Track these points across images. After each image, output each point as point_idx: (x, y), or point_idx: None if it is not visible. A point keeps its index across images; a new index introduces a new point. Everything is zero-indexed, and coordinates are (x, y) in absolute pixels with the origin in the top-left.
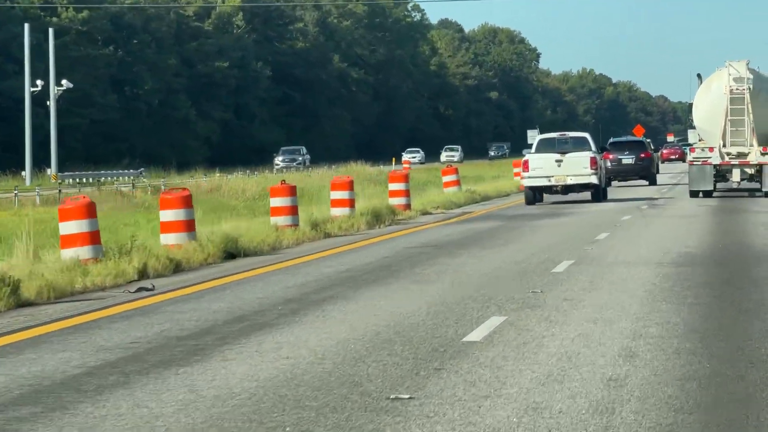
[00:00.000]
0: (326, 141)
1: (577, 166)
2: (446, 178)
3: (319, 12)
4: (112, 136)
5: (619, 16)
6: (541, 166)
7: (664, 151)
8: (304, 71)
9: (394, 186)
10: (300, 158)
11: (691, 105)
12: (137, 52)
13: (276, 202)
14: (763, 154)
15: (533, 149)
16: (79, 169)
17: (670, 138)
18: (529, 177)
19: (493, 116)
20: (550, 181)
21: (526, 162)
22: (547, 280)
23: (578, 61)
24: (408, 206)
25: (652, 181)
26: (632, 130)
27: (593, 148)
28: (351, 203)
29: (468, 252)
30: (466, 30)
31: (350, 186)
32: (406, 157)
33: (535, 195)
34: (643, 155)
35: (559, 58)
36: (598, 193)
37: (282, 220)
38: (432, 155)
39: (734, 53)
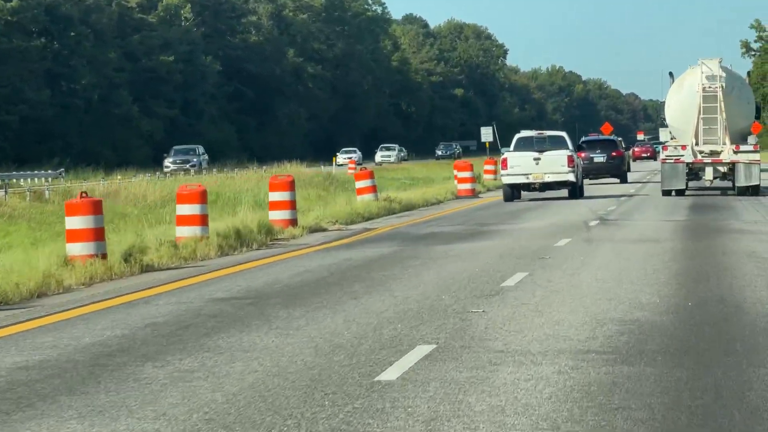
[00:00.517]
0: (281, 139)
1: (555, 164)
2: (359, 184)
3: (274, 4)
4: (45, 135)
5: (589, 13)
6: (520, 164)
7: (636, 150)
8: (257, 66)
9: (276, 196)
10: (195, 159)
11: (662, 103)
12: (74, 45)
13: (73, 223)
14: (735, 152)
15: (512, 147)
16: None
17: (641, 136)
18: (508, 174)
19: (458, 114)
20: (528, 178)
21: (504, 160)
22: (349, 409)
23: (548, 58)
24: (293, 222)
25: (623, 179)
26: (600, 128)
27: (570, 146)
28: (203, 220)
29: (287, 314)
30: (432, 25)
31: (202, 198)
32: (340, 157)
33: (513, 192)
34: (614, 154)
35: (528, 55)
36: (575, 191)
37: (79, 249)
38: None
39: (705, 51)
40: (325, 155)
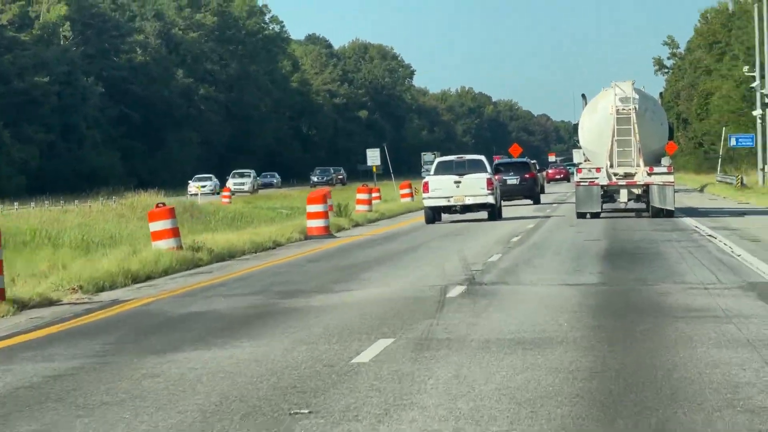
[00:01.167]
0: (171, 165)
1: (475, 187)
2: (155, 226)
3: (162, 22)
4: None
5: (499, 34)
6: (441, 187)
7: (549, 172)
8: (143, 88)
9: None
10: None
11: (575, 125)
12: None
13: None
14: (649, 174)
15: (432, 171)
16: None
17: (552, 158)
18: (429, 198)
19: (363, 136)
20: (449, 201)
21: (426, 183)
22: None
23: (457, 79)
24: None
25: (537, 201)
26: (509, 149)
27: (489, 170)
28: None
29: None
30: (336, 46)
31: None
32: (192, 185)
33: (434, 215)
34: (527, 176)
35: (437, 76)
36: (494, 212)
37: None
38: (296, 179)
39: (618, 70)
40: (221, 181)
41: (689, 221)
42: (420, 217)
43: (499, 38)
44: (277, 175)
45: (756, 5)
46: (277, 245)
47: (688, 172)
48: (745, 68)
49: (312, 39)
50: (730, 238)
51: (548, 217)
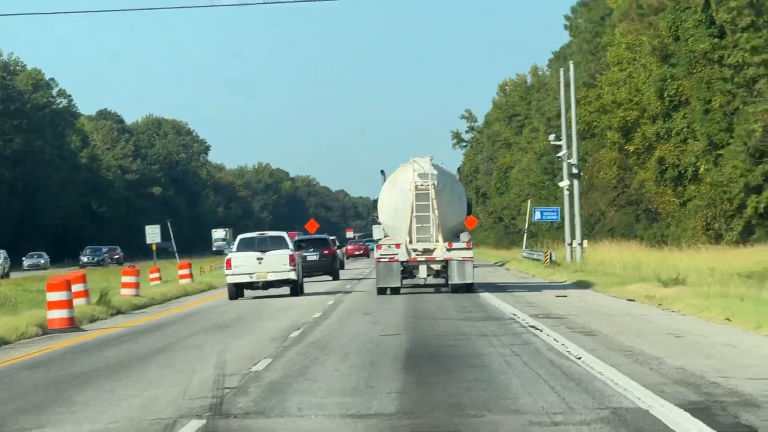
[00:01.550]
0: None
1: (277, 263)
2: None
3: None
4: None
5: (296, 109)
6: (243, 264)
7: (349, 248)
8: None
9: None
10: None
11: (375, 201)
12: None
13: None
14: (448, 250)
15: (235, 248)
16: None
17: (350, 234)
18: (232, 274)
19: (157, 213)
20: (252, 277)
21: (228, 260)
22: None
23: (254, 155)
24: None
25: (336, 277)
26: (305, 225)
27: (290, 246)
28: None
29: None
30: (129, 121)
31: None
32: None
33: (237, 291)
34: (326, 252)
35: (233, 152)
36: (296, 288)
37: None
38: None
39: (416, 144)
40: (12, 261)
41: (502, 305)
42: (197, 301)
43: (296, 114)
44: (45, 254)
45: (562, 71)
46: (3, 343)
47: (489, 246)
48: (551, 137)
49: (103, 114)
50: (558, 329)
51: (349, 292)
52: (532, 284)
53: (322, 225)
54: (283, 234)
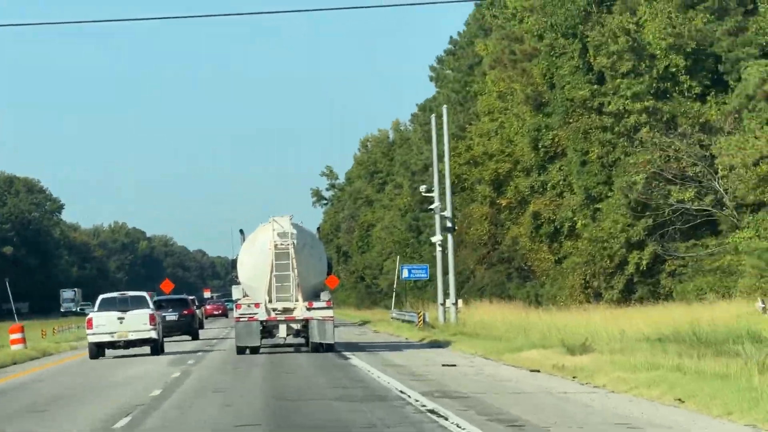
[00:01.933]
0: None
1: (138, 323)
2: None
3: None
4: None
5: (152, 170)
6: (104, 323)
7: (208, 307)
8: None
9: None
10: None
11: (234, 260)
12: None
13: None
14: (308, 309)
15: (96, 308)
16: None
17: (207, 294)
18: (93, 334)
19: (9, 273)
20: (113, 336)
21: (90, 320)
22: None
23: (111, 214)
24: None
25: (195, 336)
26: (160, 285)
27: (151, 306)
28: None
29: None
30: None
31: None
32: None
33: (99, 350)
34: (186, 312)
35: (89, 211)
36: (157, 347)
37: None
38: None
39: (277, 203)
40: None
41: (383, 378)
42: (21, 372)
43: (153, 172)
44: None
45: (434, 117)
46: None
47: (350, 307)
48: (422, 188)
49: None
50: (467, 416)
51: (209, 351)
52: (408, 349)
53: (180, 285)
54: (144, 294)
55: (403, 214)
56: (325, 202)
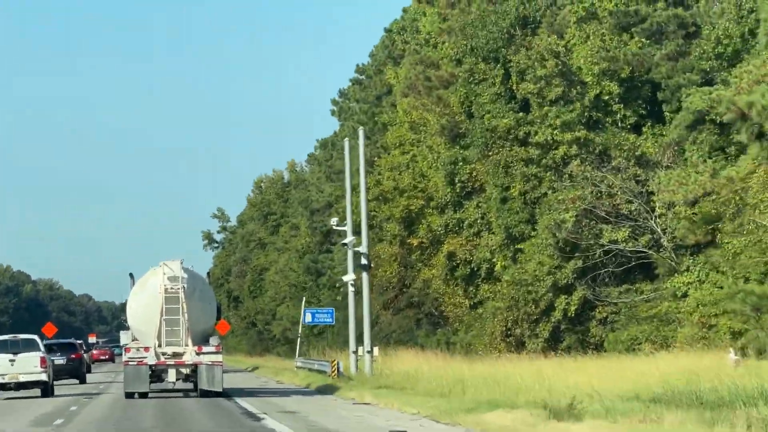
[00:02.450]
0: None
1: (29, 365)
2: None
3: None
4: None
5: (36, 209)
6: None
7: (95, 352)
8: None
9: None
10: None
11: (123, 304)
12: None
13: None
14: (198, 354)
15: None
16: None
17: (92, 339)
18: None
19: None
20: (4, 378)
21: None
22: None
23: None
24: None
25: (83, 380)
26: (42, 328)
27: (42, 349)
28: None
29: None
30: None
31: None
32: None
33: None
34: (74, 356)
35: None
36: (47, 389)
37: None
38: None
39: (168, 247)
40: None
41: None
42: None
43: (37, 213)
44: None
45: (347, 141)
46: None
47: (242, 353)
48: (334, 221)
49: None
50: None
51: (99, 394)
52: (327, 406)
53: (65, 330)
54: (35, 337)
55: (301, 255)
56: (216, 245)
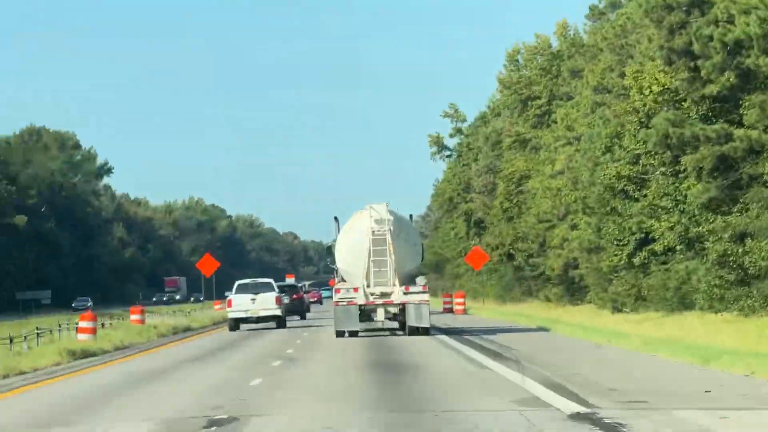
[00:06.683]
0: None
1: (267, 303)
2: None
3: None
4: None
5: (234, 139)
6: (241, 303)
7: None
8: None
9: None
10: None
11: (329, 247)
12: None
13: None
14: (405, 294)
15: (234, 291)
16: None
17: (290, 279)
18: (233, 311)
19: (30, 253)
20: (247, 313)
21: (230, 300)
22: None
23: (182, 189)
24: None
25: (303, 317)
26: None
27: (276, 290)
28: None
29: None
30: None
31: None
32: None
33: (236, 324)
34: (295, 296)
35: (153, 184)
36: (282, 322)
37: None
38: None
39: (370, 195)
40: None
41: None
42: None
43: (234, 143)
44: None
45: None
46: None
47: (488, 298)
48: None
49: None
50: None
51: (319, 326)
52: None
53: (266, 271)
54: (271, 280)
55: (607, 146)
56: (448, 153)
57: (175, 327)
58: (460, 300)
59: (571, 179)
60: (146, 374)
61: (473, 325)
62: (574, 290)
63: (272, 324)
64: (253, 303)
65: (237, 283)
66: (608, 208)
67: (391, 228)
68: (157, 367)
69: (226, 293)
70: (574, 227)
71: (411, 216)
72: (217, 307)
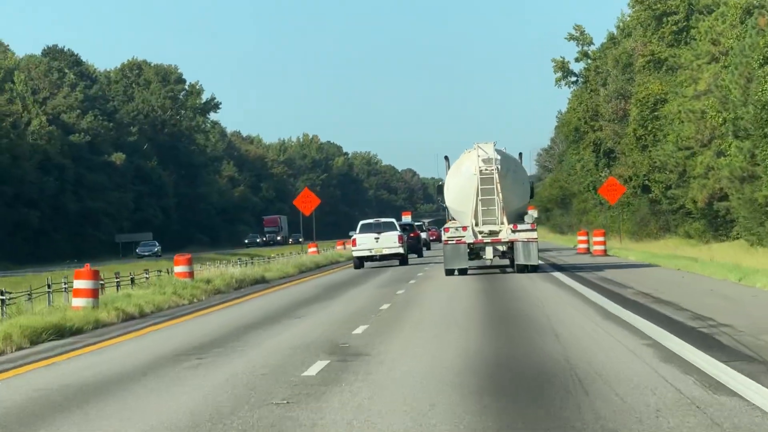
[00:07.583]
0: None
1: (390, 242)
2: None
3: None
4: None
5: (346, 77)
6: (365, 242)
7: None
8: None
9: None
10: None
11: (440, 186)
12: None
13: None
14: (513, 232)
15: (357, 231)
16: None
17: (406, 217)
18: (357, 250)
19: (131, 193)
20: (371, 252)
21: (354, 240)
22: None
23: (294, 126)
24: None
25: (420, 254)
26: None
27: (398, 229)
28: None
29: None
30: (101, 68)
31: None
32: None
33: (361, 262)
34: (412, 235)
35: (261, 120)
36: (405, 259)
37: None
38: None
39: (478, 133)
40: None
41: None
42: None
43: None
44: None
45: None
46: None
47: (622, 234)
48: None
49: (51, 52)
50: None
51: (436, 263)
52: None
53: (385, 209)
54: (392, 220)
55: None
56: (573, 79)
57: (242, 280)
58: (600, 239)
59: (719, 99)
60: None
61: (636, 276)
62: (718, 225)
63: (395, 261)
64: (377, 242)
65: (361, 222)
66: (766, 130)
67: (499, 167)
68: None
69: (350, 233)
70: (721, 154)
71: (521, 154)
72: (338, 247)
